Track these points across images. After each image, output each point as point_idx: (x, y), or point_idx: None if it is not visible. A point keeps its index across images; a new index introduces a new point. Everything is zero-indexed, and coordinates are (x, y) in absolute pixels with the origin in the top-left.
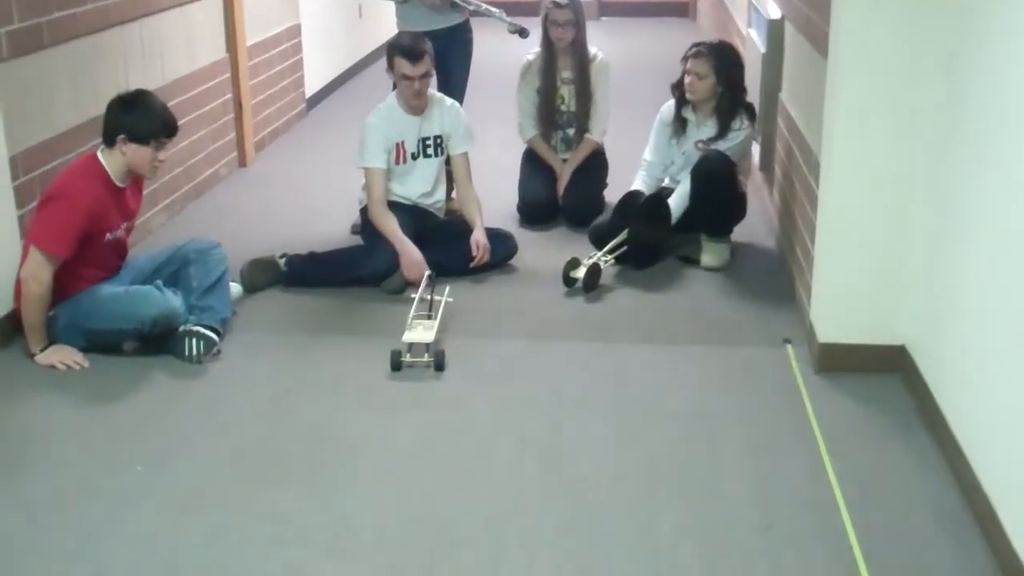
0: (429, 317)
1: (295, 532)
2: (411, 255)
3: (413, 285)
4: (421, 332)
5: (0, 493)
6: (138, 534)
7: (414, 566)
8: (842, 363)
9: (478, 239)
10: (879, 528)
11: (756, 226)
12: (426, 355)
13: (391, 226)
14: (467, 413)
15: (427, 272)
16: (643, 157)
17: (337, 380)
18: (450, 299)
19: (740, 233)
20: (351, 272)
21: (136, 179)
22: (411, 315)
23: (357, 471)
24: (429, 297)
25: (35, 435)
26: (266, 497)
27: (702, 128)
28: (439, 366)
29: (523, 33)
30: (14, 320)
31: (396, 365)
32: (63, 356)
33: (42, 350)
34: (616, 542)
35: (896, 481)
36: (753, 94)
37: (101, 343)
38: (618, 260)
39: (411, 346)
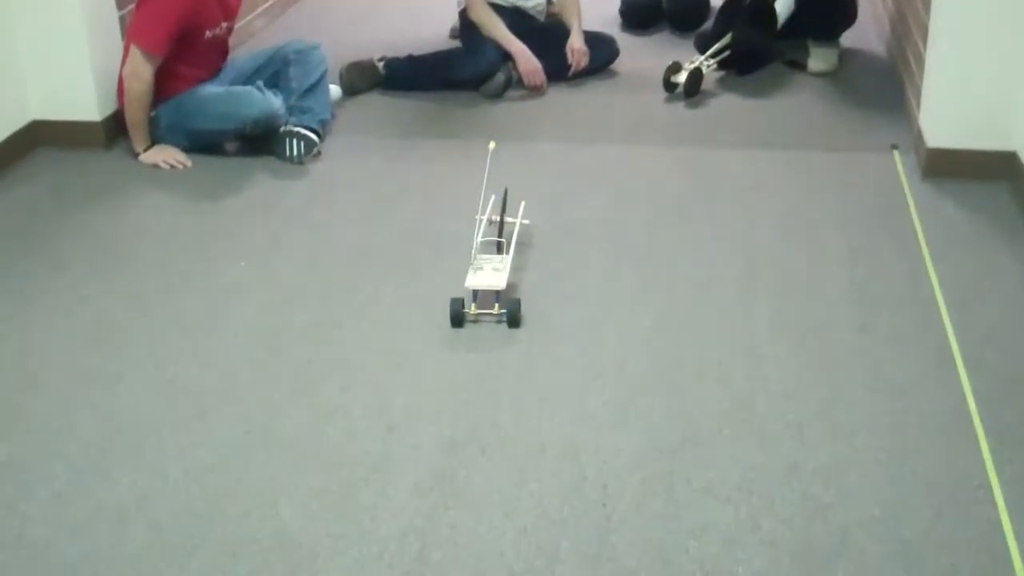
0: (499, 249)
1: (391, 322)
2: (529, 61)
3: (536, 88)
4: (489, 275)
5: (112, 286)
6: (241, 323)
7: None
8: (950, 169)
9: (575, 44)
10: (979, 332)
11: (866, 31)
12: (496, 306)
13: (500, 28)
14: (561, 214)
15: (502, 193)
16: None
17: (436, 183)
18: (526, 220)
19: (849, 38)
20: (451, 74)
21: None
22: (475, 245)
23: (456, 265)
24: (499, 218)
25: (142, 232)
26: (366, 292)
27: None
28: (513, 321)
29: None
30: (118, 120)
31: (457, 319)
32: (167, 155)
33: (145, 149)
34: (711, 340)
35: (999, 288)
36: None
37: (203, 143)
38: (721, 65)
39: (476, 294)
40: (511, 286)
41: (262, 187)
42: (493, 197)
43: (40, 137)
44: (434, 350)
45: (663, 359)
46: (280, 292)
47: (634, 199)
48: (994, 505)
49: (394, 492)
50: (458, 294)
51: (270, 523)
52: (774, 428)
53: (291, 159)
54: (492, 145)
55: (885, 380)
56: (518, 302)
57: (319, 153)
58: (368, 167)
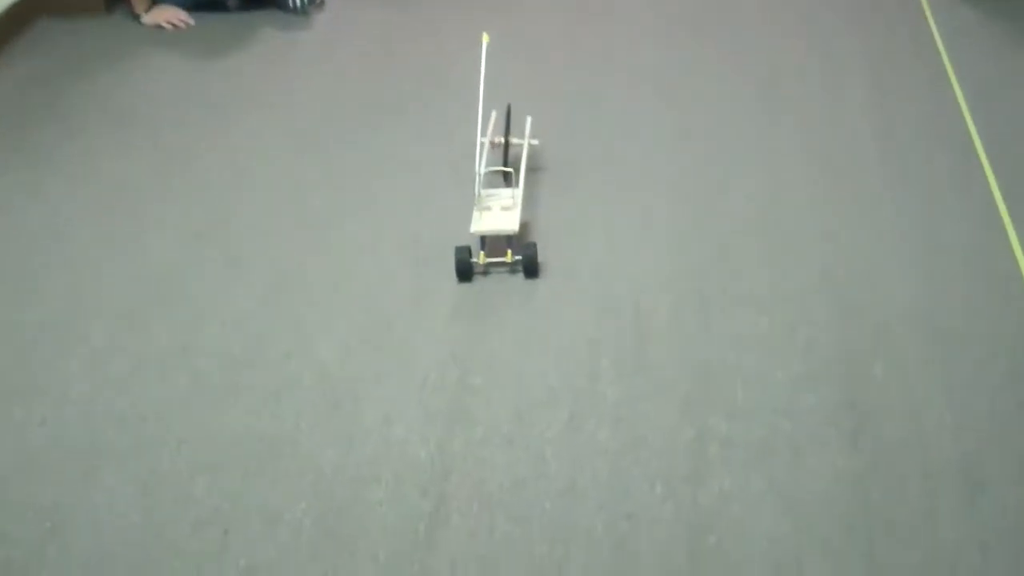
0: (507, 180)
1: (411, 161)
2: None
3: None
4: (498, 217)
5: (128, 149)
6: (262, 176)
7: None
8: None
9: None
10: (1001, 130)
11: None
12: (508, 252)
13: None
14: (574, 40)
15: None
16: None
17: (442, 27)
18: (535, 141)
19: None
20: None
21: None
22: (478, 178)
23: (467, 112)
24: (503, 139)
25: (152, 94)
26: (384, 135)
27: None
28: (530, 270)
29: None
30: None
31: (465, 273)
32: (168, 15)
33: (147, 11)
34: (736, 154)
35: (1020, 87)
36: None
37: (204, 0)
38: None
39: (484, 240)
40: (524, 226)
41: (268, 41)
42: (494, 113)
43: (39, 8)
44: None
45: (688, 176)
46: (295, 140)
47: (643, 21)
48: None
49: (431, 324)
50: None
51: (310, 363)
52: (803, 237)
53: (295, 10)
54: (486, 39)
55: (911, 181)
56: (534, 247)
57: (323, 3)
58: (373, 15)
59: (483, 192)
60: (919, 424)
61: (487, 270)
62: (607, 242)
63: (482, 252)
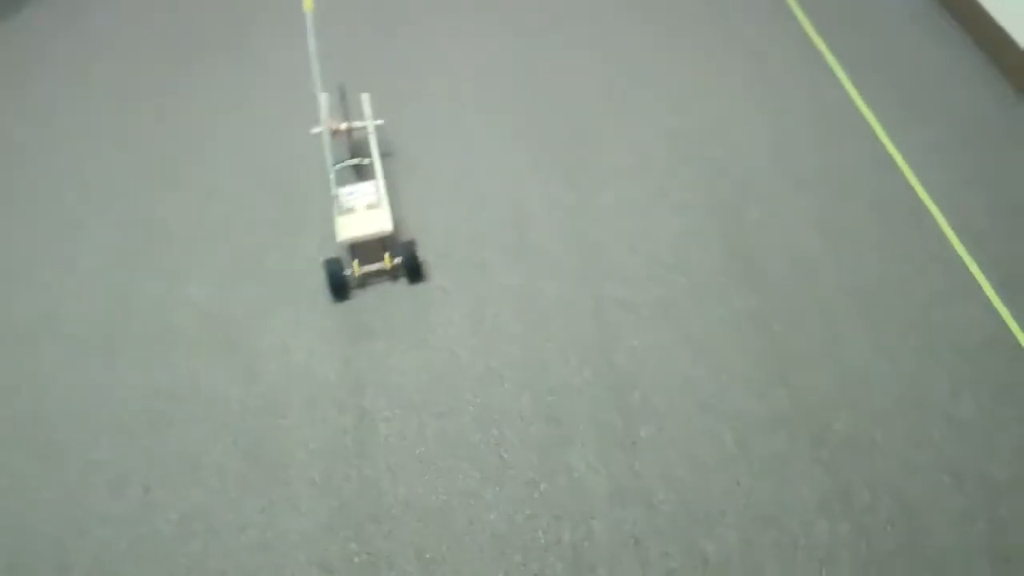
0: (360, 173)
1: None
2: None
3: None
4: (366, 219)
5: None
6: (78, 135)
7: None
8: None
9: None
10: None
11: None
12: (386, 256)
13: None
14: (411, 83)
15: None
16: None
17: None
18: (380, 121)
19: None
20: None
21: None
22: (332, 178)
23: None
24: (347, 125)
25: None
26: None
27: None
28: (414, 273)
29: None
30: None
31: (340, 289)
32: None
33: None
34: (577, 44)
35: None
36: None
37: None
38: None
39: (354, 249)
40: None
41: None
42: (324, 96)
43: None
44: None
45: (537, 80)
46: (115, 94)
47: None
48: (870, 130)
49: (307, 248)
50: (326, 241)
51: (187, 308)
52: (658, 106)
53: None
54: (308, 5)
55: (738, 39)
56: (413, 244)
57: None
58: None
59: (341, 192)
60: (803, 259)
61: (365, 281)
62: (504, 179)
63: (355, 262)
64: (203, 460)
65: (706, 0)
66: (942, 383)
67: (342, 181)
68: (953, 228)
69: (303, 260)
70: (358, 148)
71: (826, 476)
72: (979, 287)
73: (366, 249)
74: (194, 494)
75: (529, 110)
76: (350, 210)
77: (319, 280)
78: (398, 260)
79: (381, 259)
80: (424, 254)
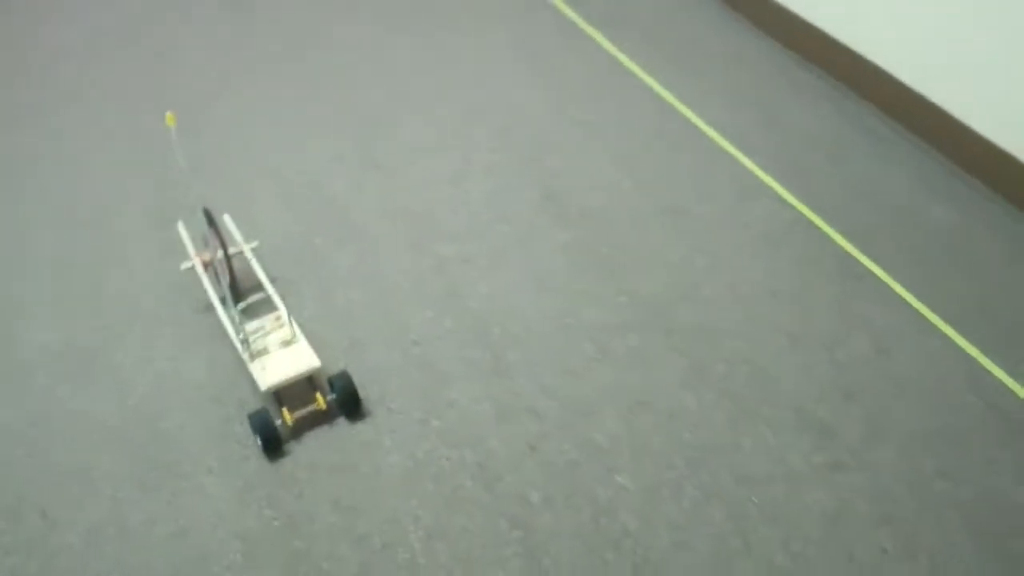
0: (237, 309)
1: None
2: None
3: None
4: (285, 359)
5: None
6: None
7: None
8: None
9: None
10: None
11: None
12: (318, 396)
13: None
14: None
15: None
16: None
17: None
18: (254, 243)
19: None
20: None
21: None
22: (232, 324)
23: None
24: (222, 255)
25: None
26: None
27: None
28: (350, 409)
29: None
30: None
31: (273, 444)
32: None
33: None
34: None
35: None
36: None
37: None
38: None
39: (279, 394)
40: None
41: None
42: (180, 223)
43: None
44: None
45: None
46: None
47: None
48: (640, 80)
49: (147, 264)
50: (246, 395)
51: (34, 341)
52: (445, 90)
53: None
54: (171, 120)
55: (508, 27)
56: (346, 376)
57: None
58: None
59: (244, 331)
60: (608, 190)
61: (297, 429)
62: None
63: (284, 410)
64: (93, 474)
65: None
66: (758, 265)
67: (244, 318)
68: (733, 144)
69: (154, 273)
70: (244, 280)
71: (682, 359)
72: (768, 185)
73: (292, 391)
74: (93, 506)
75: (323, 112)
76: (263, 351)
77: (168, 281)
78: (332, 397)
79: (314, 400)
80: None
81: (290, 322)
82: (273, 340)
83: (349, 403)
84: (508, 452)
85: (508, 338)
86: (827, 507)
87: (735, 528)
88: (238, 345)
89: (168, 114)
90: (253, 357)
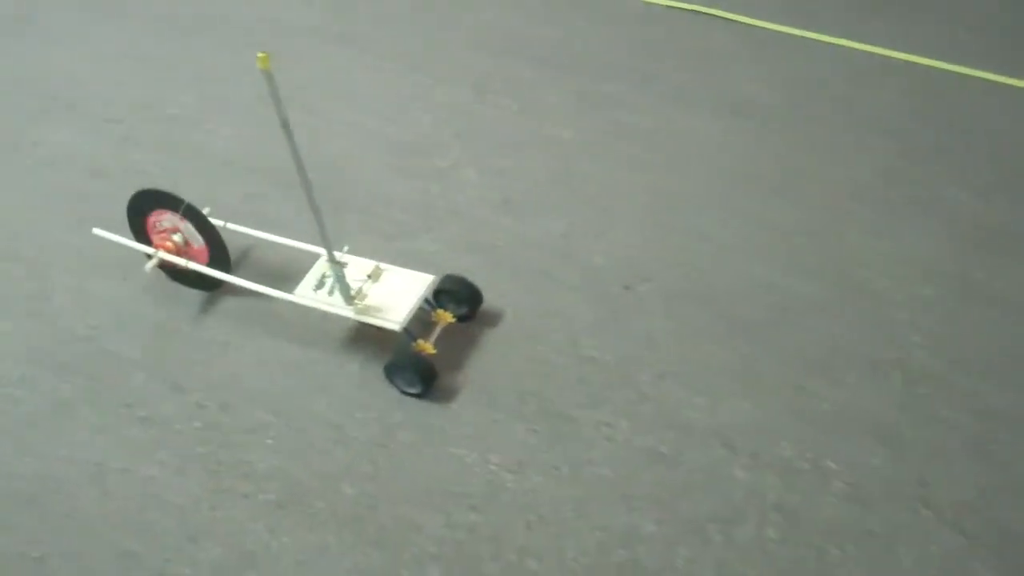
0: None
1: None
2: None
3: None
4: (393, 290)
5: None
6: None
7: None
8: None
9: None
10: None
11: None
12: (437, 312)
13: None
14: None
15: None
16: None
17: None
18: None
19: None
20: None
21: None
22: (320, 285)
23: None
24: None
25: None
26: None
27: None
28: (475, 308)
29: None
30: None
31: (428, 375)
32: None
33: None
34: None
35: None
36: None
37: None
38: None
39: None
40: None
41: None
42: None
43: None
44: None
45: None
46: None
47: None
48: None
49: None
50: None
51: None
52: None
53: None
54: (264, 62)
55: None
56: (454, 277)
57: None
58: None
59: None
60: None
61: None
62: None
63: (419, 343)
64: None
65: None
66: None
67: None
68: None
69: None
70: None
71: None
72: None
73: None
74: None
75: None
76: (361, 296)
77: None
78: (457, 307)
79: (436, 315)
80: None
81: (357, 268)
82: (358, 279)
83: (475, 301)
84: None
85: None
86: None
87: None
88: (343, 308)
89: (261, 54)
90: (360, 309)
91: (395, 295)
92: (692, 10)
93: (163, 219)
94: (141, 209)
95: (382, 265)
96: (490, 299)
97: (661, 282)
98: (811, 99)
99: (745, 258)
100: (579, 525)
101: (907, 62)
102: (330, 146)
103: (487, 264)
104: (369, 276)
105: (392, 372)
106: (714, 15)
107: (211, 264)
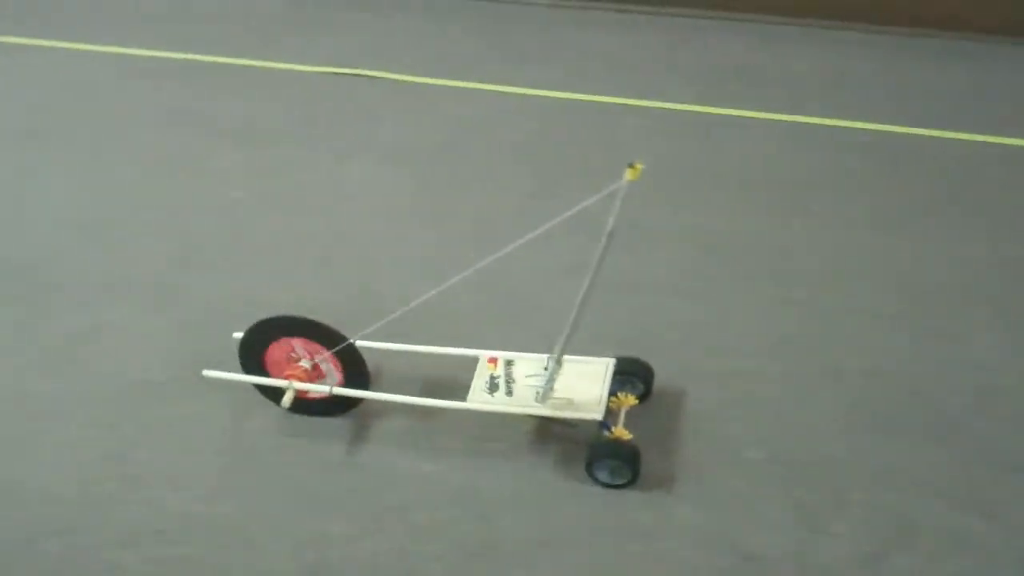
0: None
1: None
2: None
3: None
4: (572, 380)
5: None
6: None
7: None
8: None
9: None
10: None
11: None
12: (623, 396)
13: None
14: None
15: None
16: None
17: None
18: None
19: None
20: None
21: None
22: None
23: None
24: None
25: None
26: None
27: None
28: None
29: None
30: None
31: (634, 465)
32: None
33: None
34: None
35: None
36: None
37: None
38: None
39: (606, 418)
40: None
41: None
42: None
43: None
44: None
45: None
46: None
47: None
48: None
49: None
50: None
51: None
52: None
53: None
54: (634, 174)
55: None
56: (630, 359)
57: None
58: None
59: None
60: None
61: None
62: None
63: (615, 429)
64: None
65: None
66: None
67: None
68: None
69: None
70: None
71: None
72: None
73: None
74: None
75: None
76: (551, 393)
77: None
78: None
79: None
80: None
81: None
82: (536, 381)
83: (650, 382)
84: None
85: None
86: None
87: None
88: (535, 407)
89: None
90: (557, 404)
91: (580, 385)
92: (353, 74)
93: (293, 349)
94: (264, 339)
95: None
96: None
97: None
98: (457, 139)
99: (410, 273)
100: None
101: (542, 96)
102: None
103: None
104: (546, 368)
105: (596, 465)
106: (368, 76)
107: (348, 383)
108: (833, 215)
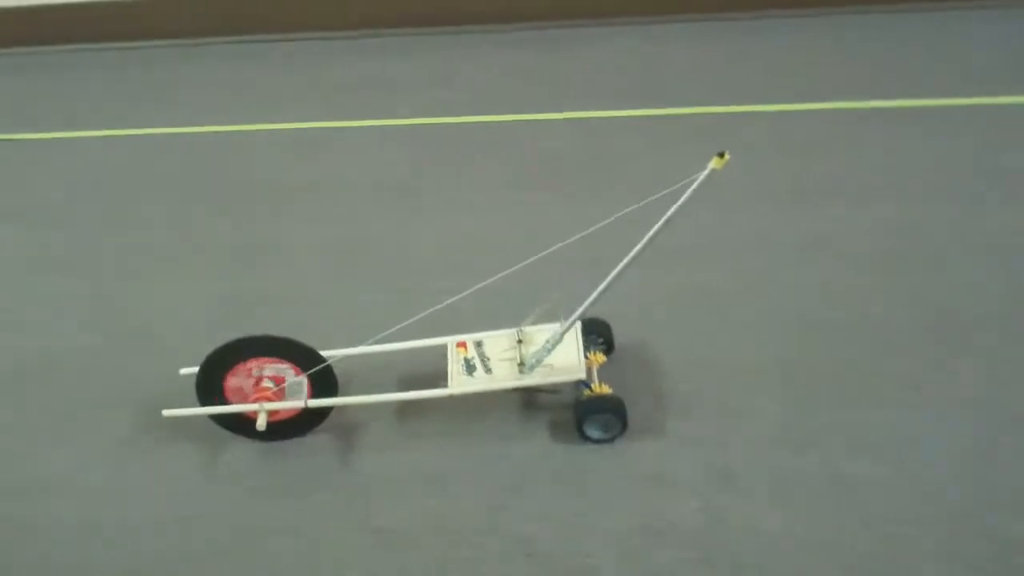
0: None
1: None
2: None
3: None
4: (559, 349)
5: None
6: None
7: None
8: None
9: None
10: None
11: None
12: (594, 355)
13: None
14: None
15: None
16: None
17: None
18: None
19: None
20: None
21: None
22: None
23: None
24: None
25: None
26: None
27: None
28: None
29: None
30: None
31: (624, 417)
32: None
33: None
34: None
35: None
36: None
37: None
38: None
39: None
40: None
41: None
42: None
43: None
44: None
45: None
46: None
47: None
48: None
49: None
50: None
51: None
52: None
53: None
54: (719, 163)
55: None
56: (594, 320)
57: None
58: None
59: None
60: None
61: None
62: None
63: (594, 385)
64: None
65: None
66: None
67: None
68: None
69: None
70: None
71: None
72: None
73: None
74: None
75: None
76: (537, 365)
77: None
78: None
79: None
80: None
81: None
82: (512, 354)
83: (610, 337)
84: None
85: None
86: None
87: None
88: (522, 378)
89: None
90: (543, 372)
91: (557, 350)
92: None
93: (263, 368)
94: (223, 362)
95: (525, 328)
96: None
97: None
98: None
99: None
100: None
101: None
102: None
103: None
104: (520, 341)
105: (587, 423)
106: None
107: (317, 394)
108: None
